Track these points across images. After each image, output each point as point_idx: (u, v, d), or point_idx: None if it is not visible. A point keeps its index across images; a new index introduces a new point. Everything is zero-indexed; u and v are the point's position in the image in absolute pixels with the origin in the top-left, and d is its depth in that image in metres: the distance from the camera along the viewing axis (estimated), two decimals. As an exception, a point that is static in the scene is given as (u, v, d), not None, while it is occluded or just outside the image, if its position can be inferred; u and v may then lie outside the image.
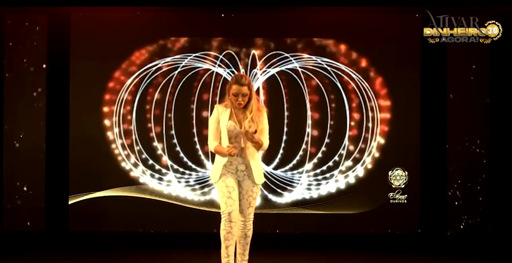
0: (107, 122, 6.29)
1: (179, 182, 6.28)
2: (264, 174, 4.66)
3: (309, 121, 6.27)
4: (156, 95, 6.28)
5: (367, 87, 6.27)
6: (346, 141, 6.26)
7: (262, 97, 6.27)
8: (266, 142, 4.45)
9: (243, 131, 4.33)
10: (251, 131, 4.27)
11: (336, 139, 6.27)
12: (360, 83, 6.27)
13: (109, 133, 6.29)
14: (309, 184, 6.28)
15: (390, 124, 6.27)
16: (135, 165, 6.29)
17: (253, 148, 4.39)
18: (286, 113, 6.27)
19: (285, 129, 6.26)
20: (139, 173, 6.29)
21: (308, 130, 6.27)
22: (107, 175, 6.29)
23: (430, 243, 6.26)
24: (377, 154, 6.26)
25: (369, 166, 6.27)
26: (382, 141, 6.26)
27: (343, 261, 5.75)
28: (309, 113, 6.27)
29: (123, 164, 6.28)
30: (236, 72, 6.18)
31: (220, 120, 4.45)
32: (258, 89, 6.26)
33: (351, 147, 6.26)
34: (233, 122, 4.41)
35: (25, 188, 6.26)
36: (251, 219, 4.50)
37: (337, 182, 6.28)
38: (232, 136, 4.41)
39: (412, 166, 6.26)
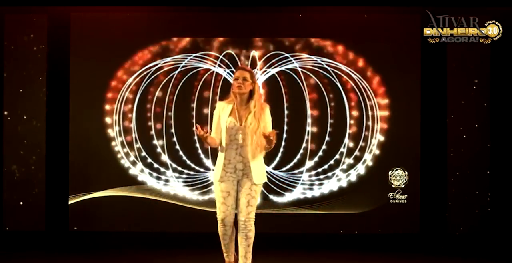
0: (107, 122, 6.29)
1: (178, 181, 6.29)
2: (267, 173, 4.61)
3: (309, 121, 6.27)
4: (156, 94, 6.28)
5: (367, 87, 6.27)
6: (346, 141, 6.26)
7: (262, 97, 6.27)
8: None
9: (260, 134, 4.25)
10: (267, 134, 4.17)
11: (336, 138, 6.27)
12: (360, 83, 6.27)
13: (109, 133, 6.29)
14: (309, 184, 6.28)
15: (390, 124, 6.27)
16: (135, 164, 6.29)
17: (253, 147, 4.30)
18: (286, 113, 6.27)
19: (285, 128, 6.26)
20: (139, 173, 6.29)
21: (308, 129, 6.27)
22: (107, 175, 6.29)
23: (430, 243, 6.26)
24: (377, 154, 6.26)
25: (369, 166, 6.26)
26: (382, 141, 6.26)
27: (343, 261, 5.74)
28: (309, 112, 6.27)
29: (123, 164, 6.28)
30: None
31: (221, 116, 4.40)
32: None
33: (351, 146, 6.26)
34: (233, 119, 4.34)
35: (25, 188, 6.26)
36: (251, 219, 4.33)
37: (337, 181, 6.27)
38: (232, 133, 4.33)
39: (412, 166, 6.26)
